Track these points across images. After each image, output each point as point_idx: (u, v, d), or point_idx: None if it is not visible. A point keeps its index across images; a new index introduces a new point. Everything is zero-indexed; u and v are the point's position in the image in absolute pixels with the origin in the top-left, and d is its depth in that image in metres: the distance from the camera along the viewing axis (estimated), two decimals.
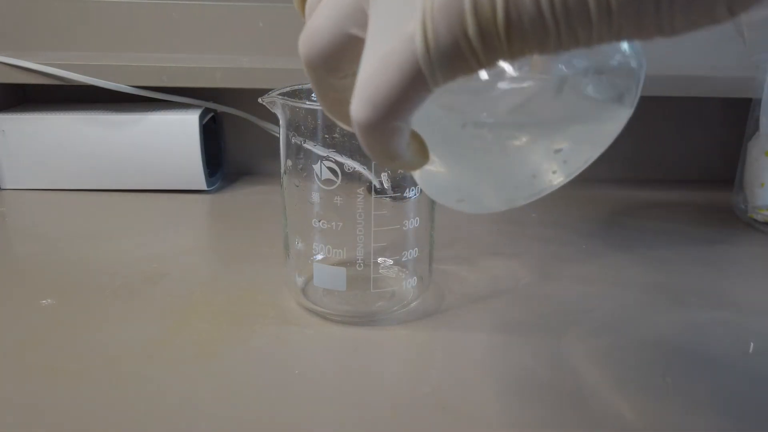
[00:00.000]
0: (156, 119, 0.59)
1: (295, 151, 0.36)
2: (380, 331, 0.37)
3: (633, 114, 0.23)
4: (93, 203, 0.58)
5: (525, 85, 0.22)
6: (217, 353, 0.34)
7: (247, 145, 0.67)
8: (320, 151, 0.35)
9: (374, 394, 0.31)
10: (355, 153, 0.34)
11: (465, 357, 0.34)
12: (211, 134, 0.63)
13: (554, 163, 0.24)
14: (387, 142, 0.20)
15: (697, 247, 0.51)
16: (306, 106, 0.34)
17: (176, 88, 0.59)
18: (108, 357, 0.34)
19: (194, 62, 0.59)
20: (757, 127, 0.54)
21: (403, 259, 0.37)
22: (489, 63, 0.17)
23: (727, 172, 0.59)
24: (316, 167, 0.35)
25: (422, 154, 0.22)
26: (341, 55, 0.20)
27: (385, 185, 0.35)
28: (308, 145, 0.35)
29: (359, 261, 0.36)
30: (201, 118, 0.59)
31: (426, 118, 0.22)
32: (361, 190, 0.35)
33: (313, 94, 0.36)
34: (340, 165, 0.35)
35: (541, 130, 0.23)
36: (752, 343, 0.37)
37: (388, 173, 0.35)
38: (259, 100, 0.36)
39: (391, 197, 0.36)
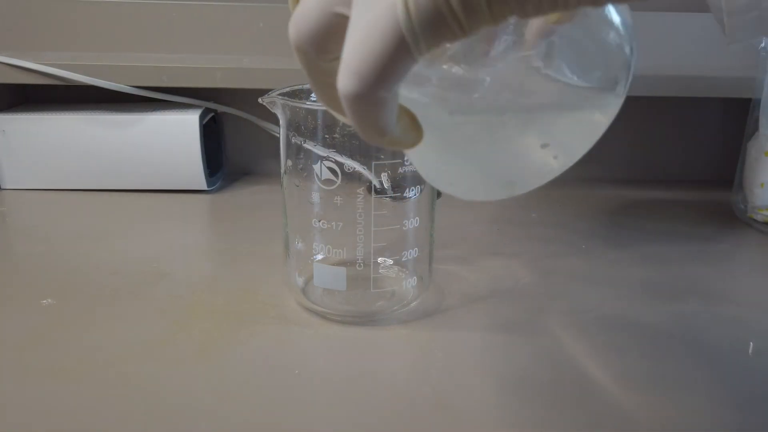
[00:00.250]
0: (156, 119, 0.59)
1: (295, 151, 0.36)
2: (380, 331, 0.37)
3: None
4: (93, 203, 0.58)
5: (510, 69, 0.22)
6: (217, 353, 0.34)
7: (247, 145, 0.67)
8: (320, 151, 0.35)
9: (374, 394, 0.31)
10: (355, 153, 0.34)
11: (465, 357, 0.34)
12: (211, 134, 0.63)
13: (545, 154, 0.24)
14: (374, 114, 0.20)
15: (697, 247, 0.51)
16: (306, 106, 0.34)
17: (176, 88, 0.59)
18: (108, 357, 0.34)
19: (194, 62, 0.59)
20: (756, 127, 0.54)
21: (403, 259, 0.37)
22: (472, 28, 0.17)
23: (727, 172, 0.59)
24: (316, 167, 0.35)
25: (413, 132, 0.22)
26: (329, 35, 0.20)
27: (385, 185, 0.35)
28: (308, 145, 0.35)
29: (359, 261, 0.36)
30: (201, 118, 0.59)
31: (414, 106, 0.22)
32: (361, 190, 0.35)
33: (312, 95, 0.36)
34: (340, 165, 0.35)
35: (530, 118, 0.23)
36: (752, 343, 0.37)
37: (388, 173, 0.35)
38: (259, 100, 0.36)
39: (391, 197, 0.36)
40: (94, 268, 0.44)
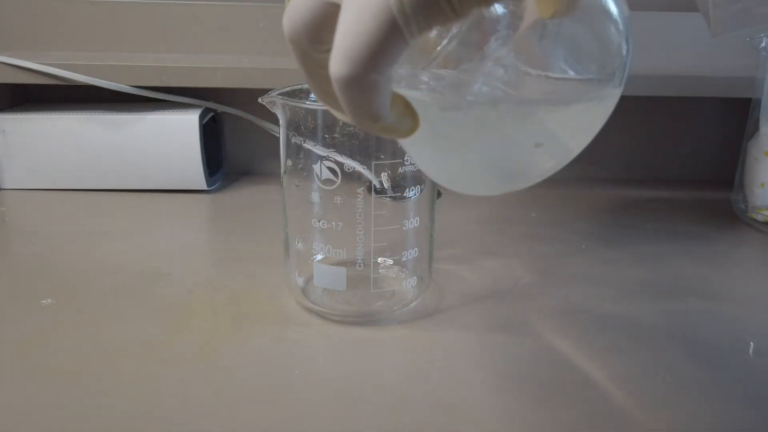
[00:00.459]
0: (156, 119, 0.59)
1: (295, 151, 0.36)
2: (380, 331, 0.37)
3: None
4: (93, 203, 0.58)
5: (506, 64, 0.22)
6: (217, 353, 0.34)
7: (247, 145, 0.67)
8: (320, 151, 0.35)
9: (374, 394, 0.31)
10: (355, 153, 0.34)
11: (465, 357, 0.34)
12: (211, 134, 0.63)
13: (542, 148, 0.23)
14: (367, 98, 0.19)
15: (697, 247, 0.51)
16: (306, 105, 0.34)
17: (176, 88, 0.59)
18: (108, 357, 0.34)
19: (194, 62, 0.59)
20: (757, 127, 0.54)
21: (403, 259, 0.37)
22: (464, 10, 0.17)
23: (727, 172, 0.59)
24: (316, 167, 0.35)
25: (408, 119, 0.22)
26: (322, 25, 0.21)
27: (385, 185, 0.35)
28: (308, 145, 0.35)
29: (359, 261, 0.36)
30: (201, 118, 0.59)
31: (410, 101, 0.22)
32: (361, 190, 0.35)
33: (312, 94, 0.36)
34: (340, 165, 0.35)
35: (526, 112, 0.23)
36: (752, 343, 0.37)
37: (388, 173, 0.35)
38: (259, 100, 0.36)
39: (391, 197, 0.36)
40: (94, 268, 0.44)
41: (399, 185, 0.36)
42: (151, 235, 0.51)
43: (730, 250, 0.52)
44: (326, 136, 0.34)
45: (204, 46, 0.63)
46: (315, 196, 0.36)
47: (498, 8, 0.21)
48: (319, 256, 0.37)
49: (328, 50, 0.21)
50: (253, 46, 0.62)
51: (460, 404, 0.30)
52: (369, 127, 0.21)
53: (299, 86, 0.37)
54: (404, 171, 0.35)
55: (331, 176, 0.35)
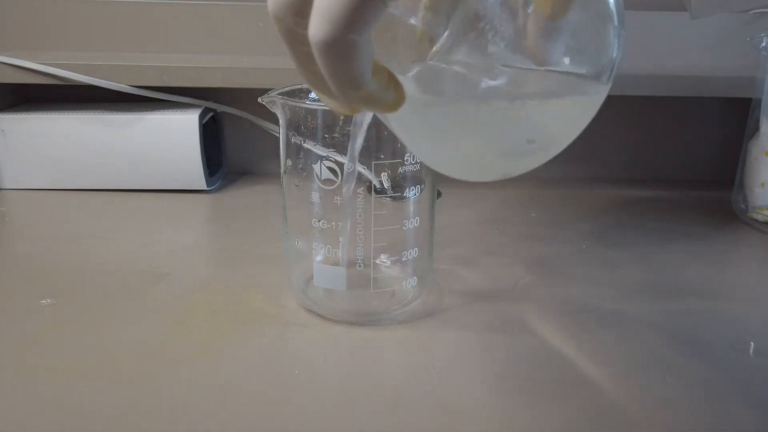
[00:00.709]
0: (156, 119, 0.59)
1: (295, 151, 0.36)
2: (380, 331, 0.37)
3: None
4: (93, 203, 0.58)
5: (499, 57, 0.22)
6: (217, 353, 0.34)
7: (247, 145, 0.67)
8: (320, 150, 0.35)
9: (374, 394, 0.31)
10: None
11: (465, 357, 0.34)
12: (211, 134, 0.63)
13: (530, 144, 0.24)
14: (347, 61, 0.20)
15: (697, 247, 0.51)
16: (306, 105, 0.34)
17: (176, 88, 0.59)
18: (108, 357, 0.34)
19: (194, 62, 0.59)
20: (757, 127, 0.54)
21: (403, 259, 0.37)
22: None
23: (727, 172, 0.59)
24: (316, 167, 0.35)
25: (392, 91, 0.22)
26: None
27: (385, 185, 0.35)
28: (308, 145, 0.35)
29: (359, 261, 0.36)
30: (201, 117, 0.59)
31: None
32: (361, 190, 0.35)
33: (312, 93, 0.36)
34: (340, 165, 0.35)
35: (514, 105, 0.23)
36: (752, 342, 0.37)
37: (388, 173, 0.35)
38: (259, 99, 0.36)
39: (391, 197, 0.36)
40: (94, 268, 0.44)
41: (399, 185, 0.36)
42: (151, 235, 0.51)
43: (730, 250, 0.52)
44: (326, 136, 0.34)
45: (204, 46, 0.63)
46: (315, 196, 0.36)
47: (492, 1, 0.22)
48: (319, 257, 0.37)
49: None
50: (253, 46, 0.62)
51: (460, 404, 0.30)
52: (351, 94, 0.21)
53: (299, 86, 0.37)
54: (404, 171, 0.35)
55: (331, 176, 0.35)
